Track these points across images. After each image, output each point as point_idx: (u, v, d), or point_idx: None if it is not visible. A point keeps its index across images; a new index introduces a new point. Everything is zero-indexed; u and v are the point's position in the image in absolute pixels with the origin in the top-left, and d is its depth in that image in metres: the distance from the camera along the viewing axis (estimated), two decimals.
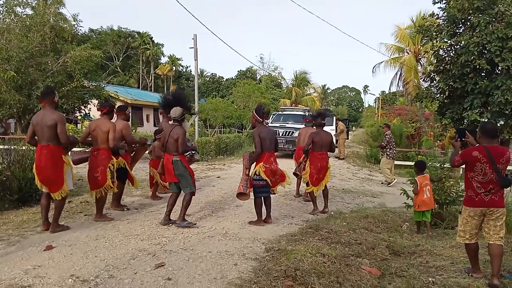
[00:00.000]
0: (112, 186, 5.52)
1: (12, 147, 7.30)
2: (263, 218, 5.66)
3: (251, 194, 5.59)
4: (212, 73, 51.67)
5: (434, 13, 13.27)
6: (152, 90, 45.10)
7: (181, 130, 5.26)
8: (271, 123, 16.37)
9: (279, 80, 41.50)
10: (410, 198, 6.15)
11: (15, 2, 16.65)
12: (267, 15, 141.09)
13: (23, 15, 17.17)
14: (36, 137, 4.83)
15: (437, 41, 12.68)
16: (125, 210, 6.25)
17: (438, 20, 13.07)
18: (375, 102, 53.05)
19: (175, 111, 5.37)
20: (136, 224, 5.42)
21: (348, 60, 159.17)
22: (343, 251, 4.46)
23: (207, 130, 24.70)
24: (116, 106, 6.35)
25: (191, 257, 4.17)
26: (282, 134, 14.85)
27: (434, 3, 12.24)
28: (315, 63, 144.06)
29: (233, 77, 47.03)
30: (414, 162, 6.00)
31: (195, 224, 5.40)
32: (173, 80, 50.95)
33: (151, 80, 48.93)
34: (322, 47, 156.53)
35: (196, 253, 4.31)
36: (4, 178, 6.25)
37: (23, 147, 7.00)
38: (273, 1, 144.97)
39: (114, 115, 6.09)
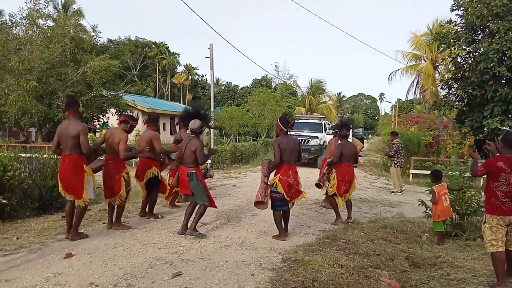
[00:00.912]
0: (126, 195, 5.60)
1: (34, 156, 7.48)
2: (286, 235, 5.46)
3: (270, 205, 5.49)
4: (227, 82, 52.17)
5: (451, 20, 13.14)
6: (169, 99, 45.70)
7: (199, 142, 5.29)
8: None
9: (294, 88, 41.54)
10: (428, 208, 6.04)
11: (38, 15, 17.12)
12: (284, 25, 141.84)
13: (45, 26, 17.65)
14: (61, 146, 4.93)
15: (455, 48, 12.53)
16: (160, 218, 6.39)
17: (455, 27, 12.92)
18: (391, 110, 52.49)
19: (194, 123, 5.42)
20: (154, 233, 5.46)
21: (364, 67, 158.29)
22: (361, 262, 4.40)
23: (223, 139, 24.84)
24: (147, 117, 6.50)
25: (208, 267, 4.17)
26: None
27: (452, 10, 12.12)
28: (330, 71, 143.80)
29: (248, 86, 47.31)
30: (430, 172, 5.88)
31: (205, 235, 5.39)
32: (189, 89, 51.54)
33: (168, 89, 49.59)
34: (337, 55, 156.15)
35: (213, 262, 4.32)
36: (26, 186, 6.39)
37: (44, 156, 7.15)
38: (289, 11, 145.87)
39: (145, 125, 6.22)
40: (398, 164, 10.31)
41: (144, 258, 4.41)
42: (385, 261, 4.58)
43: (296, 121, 17.67)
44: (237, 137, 29.27)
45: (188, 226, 5.40)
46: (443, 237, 5.65)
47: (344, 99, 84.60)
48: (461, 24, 12.49)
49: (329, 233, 5.67)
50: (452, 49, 12.50)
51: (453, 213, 5.86)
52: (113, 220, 5.68)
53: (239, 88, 50.44)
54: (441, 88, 14.43)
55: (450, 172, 6.10)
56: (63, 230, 5.48)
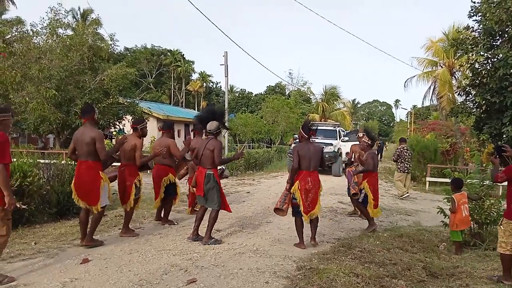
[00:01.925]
0: (134, 202, 5.64)
1: (52, 162, 7.62)
2: (304, 244, 5.34)
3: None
4: (241, 89, 52.33)
5: (469, 26, 12.97)
6: (183, 106, 46.13)
7: (217, 142, 5.32)
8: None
9: (308, 95, 41.46)
10: (447, 216, 5.93)
11: (58, 24, 17.56)
12: (298, 32, 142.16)
13: (64, 35, 18.08)
14: (76, 153, 4.99)
15: (472, 55, 12.35)
16: (176, 224, 6.42)
17: (473, 33, 12.74)
18: (407, 117, 51.83)
19: (211, 124, 5.42)
20: (168, 239, 5.49)
21: (379, 74, 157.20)
22: (377, 271, 4.33)
23: (236, 145, 24.89)
24: (163, 124, 6.60)
25: (223, 274, 4.17)
26: None
27: (470, 16, 11.96)
28: (345, 77, 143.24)
29: (262, 93, 47.41)
30: (450, 179, 5.77)
31: (221, 240, 5.39)
32: (203, 96, 51.94)
33: (182, 96, 50.08)
34: (352, 61, 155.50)
35: (227, 269, 4.31)
36: (44, 192, 6.50)
37: (62, 162, 7.26)
38: (303, 18, 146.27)
39: (160, 132, 6.29)
40: (401, 168, 10.57)
41: (159, 264, 4.43)
42: (402, 270, 4.50)
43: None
44: (251, 144, 29.29)
45: (199, 232, 5.38)
46: (461, 247, 5.53)
47: (359, 105, 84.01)
48: (479, 30, 12.31)
49: (344, 241, 5.61)
50: (470, 55, 12.33)
51: (472, 222, 5.73)
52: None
53: (253, 95, 50.61)
54: (458, 94, 14.24)
55: (469, 180, 5.98)
56: (80, 235, 5.56)
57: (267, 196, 9.54)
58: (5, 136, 3.74)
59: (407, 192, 10.61)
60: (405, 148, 10.78)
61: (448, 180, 12.64)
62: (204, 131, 7.10)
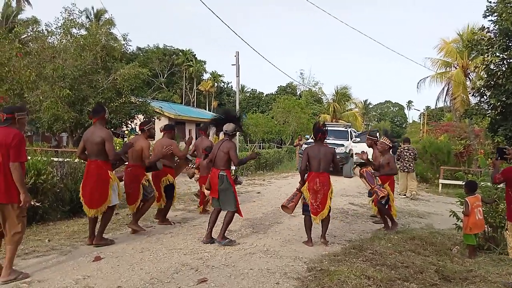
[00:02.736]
0: (151, 201, 5.74)
1: (65, 160, 7.72)
2: (312, 242, 5.47)
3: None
4: (252, 89, 52.40)
5: (484, 27, 12.78)
6: (195, 106, 46.32)
7: (232, 144, 5.36)
8: (311, 139, 16.25)
9: (319, 95, 41.29)
10: (460, 220, 5.85)
11: (72, 24, 17.79)
12: (309, 32, 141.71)
13: (78, 35, 18.30)
14: (86, 152, 5.04)
15: (488, 55, 12.17)
16: (172, 224, 6.37)
17: (488, 34, 12.55)
18: (419, 118, 51.25)
19: (228, 126, 5.45)
20: (179, 238, 5.52)
21: (391, 74, 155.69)
22: (389, 274, 4.29)
23: (247, 145, 24.91)
24: (164, 125, 6.63)
25: (233, 274, 4.18)
26: None
27: (485, 16, 11.80)
28: (356, 77, 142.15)
29: (273, 93, 47.36)
30: (464, 182, 5.68)
31: (235, 241, 5.41)
32: (214, 96, 52.10)
33: (194, 96, 50.31)
34: (364, 61, 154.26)
35: (238, 269, 4.32)
36: (58, 190, 6.58)
37: (76, 160, 7.35)
38: (312, 16, 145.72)
39: (161, 133, 6.35)
40: (400, 168, 10.79)
41: (170, 263, 4.46)
42: (414, 273, 4.45)
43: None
44: (261, 144, 29.27)
45: (212, 235, 5.36)
46: (475, 250, 5.44)
47: (371, 106, 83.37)
48: (494, 31, 12.13)
49: (355, 243, 5.58)
50: (485, 56, 12.15)
51: (486, 226, 5.64)
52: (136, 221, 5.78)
53: (264, 95, 50.60)
54: (473, 96, 14.03)
55: (482, 183, 5.89)
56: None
57: (278, 196, 9.52)
58: (21, 135, 3.81)
59: (414, 192, 10.70)
60: (405, 148, 11.04)
61: (461, 183, 12.52)
62: (208, 131, 7.21)
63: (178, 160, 6.72)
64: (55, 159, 7.88)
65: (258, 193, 10.22)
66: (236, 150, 5.42)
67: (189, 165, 7.24)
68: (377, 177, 6.46)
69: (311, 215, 5.36)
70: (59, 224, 6.23)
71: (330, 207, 5.49)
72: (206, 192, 5.90)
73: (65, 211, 6.77)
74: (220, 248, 5.09)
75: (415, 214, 8.39)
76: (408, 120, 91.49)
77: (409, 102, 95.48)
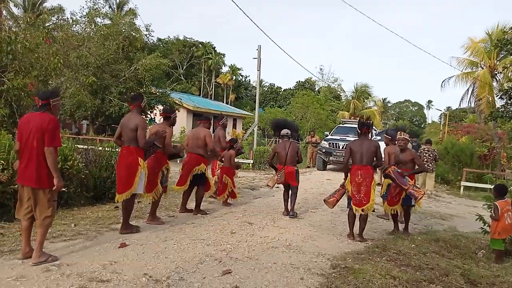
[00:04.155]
0: (161, 190, 5.71)
1: (90, 147, 7.84)
2: (353, 236, 5.68)
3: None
4: (270, 83, 52.21)
5: None
6: (213, 98, 46.48)
7: (297, 145, 6.95)
8: (331, 135, 16.13)
9: (338, 92, 40.91)
10: (486, 224, 5.72)
11: (96, 13, 18.00)
12: (329, 27, 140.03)
13: (102, 25, 18.52)
14: (122, 138, 5.10)
15: None
16: (206, 214, 6.57)
17: None
18: (440, 118, 50.26)
19: (285, 131, 6.96)
20: (202, 229, 5.55)
21: (412, 73, 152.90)
22: (414, 275, 4.23)
23: (263, 139, 24.89)
24: (202, 116, 6.89)
25: (257, 267, 4.17)
26: (342, 147, 14.55)
27: None
28: (376, 75, 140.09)
29: (292, 88, 47.12)
30: (493, 186, 5.54)
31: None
32: (232, 89, 52.15)
33: (212, 88, 50.46)
34: (385, 59, 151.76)
35: (261, 263, 4.31)
36: (83, 176, 6.69)
37: (100, 148, 7.46)
38: (335, 12, 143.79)
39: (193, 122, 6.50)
40: None
41: (194, 253, 4.48)
42: (439, 276, 4.37)
43: (341, 125, 17.39)
44: (277, 139, 29.20)
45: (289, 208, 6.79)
46: (502, 255, 5.32)
47: (389, 104, 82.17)
48: None
49: (378, 242, 5.52)
50: None
51: None
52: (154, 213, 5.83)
53: (282, 89, 50.40)
54: (500, 98, 13.66)
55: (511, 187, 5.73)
56: (117, 220, 5.71)
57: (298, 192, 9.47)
58: (56, 120, 3.87)
59: (429, 191, 10.94)
60: (425, 149, 11.27)
61: (484, 186, 12.27)
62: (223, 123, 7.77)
63: (209, 151, 6.79)
64: (81, 146, 8.01)
65: (277, 187, 10.17)
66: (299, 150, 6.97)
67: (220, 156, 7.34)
68: (407, 177, 6.08)
69: (353, 206, 5.55)
70: (83, 209, 6.34)
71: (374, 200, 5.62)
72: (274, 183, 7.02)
73: (89, 197, 6.88)
74: (243, 241, 5.10)
75: (437, 215, 8.25)
76: (427, 120, 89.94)
77: (429, 101, 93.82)
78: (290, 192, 6.89)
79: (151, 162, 5.47)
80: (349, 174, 5.67)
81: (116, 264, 3.98)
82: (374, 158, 5.62)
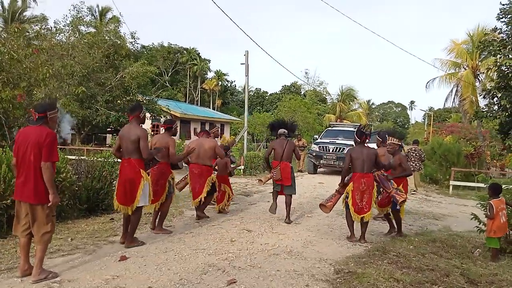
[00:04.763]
0: (168, 200, 5.73)
1: (81, 158, 7.71)
2: (355, 237, 5.81)
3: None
4: (256, 88, 52.32)
5: (496, 28, 12.74)
6: (199, 104, 46.31)
7: (293, 143, 7.00)
8: (320, 138, 16.22)
9: (324, 95, 41.25)
10: (481, 223, 5.82)
11: (80, 22, 17.79)
12: (312, 30, 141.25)
13: (86, 33, 18.30)
14: (121, 150, 5.00)
15: (500, 57, 12.13)
16: (209, 218, 6.80)
17: (500, 35, 12.51)
18: (423, 119, 51.15)
19: (282, 130, 6.99)
20: (201, 238, 5.50)
21: (395, 75, 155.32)
22: (416, 277, 4.27)
23: (252, 144, 24.88)
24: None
25: (261, 275, 4.15)
26: (332, 150, 14.66)
27: (498, 18, 11.77)
28: (360, 77, 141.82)
29: (277, 92, 47.31)
30: (488, 185, 5.64)
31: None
32: (218, 95, 52.07)
33: (198, 94, 50.27)
34: (368, 61, 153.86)
35: (265, 271, 4.30)
36: (76, 188, 6.56)
37: (93, 159, 7.34)
38: (318, 14, 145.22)
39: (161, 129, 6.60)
40: None
41: (196, 263, 4.44)
42: (440, 277, 4.43)
43: (330, 128, 17.52)
44: (265, 144, 29.23)
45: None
46: (498, 253, 5.41)
47: (374, 106, 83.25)
48: (507, 32, 12.09)
49: (377, 245, 5.55)
50: (498, 57, 12.11)
51: (508, 229, 5.61)
52: (156, 223, 5.81)
53: (268, 94, 50.55)
54: (483, 97, 13.99)
55: (505, 186, 5.85)
56: (113, 232, 5.62)
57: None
58: (54, 134, 3.78)
59: (414, 190, 11.50)
60: (413, 149, 11.81)
61: (472, 184, 12.49)
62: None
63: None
64: (72, 157, 7.87)
65: (271, 193, 10.16)
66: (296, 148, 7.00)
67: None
68: (391, 180, 6.19)
69: (354, 213, 5.60)
70: (77, 222, 6.21)
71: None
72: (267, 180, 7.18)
73: (82, 210, 6.75)
74: (243, 249, 5.07)
75: (430, 216, 8.35)
76: (410, 120, 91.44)
77: (412, 102, 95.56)
78: (285, 199, 6.82)
79: (155, 174, 5.43)
80: (351, 182, 5.65)
81: (118, 278, 3.91)
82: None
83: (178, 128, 26.51)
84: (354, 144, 5.99)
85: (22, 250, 3.87)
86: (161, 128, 6.03)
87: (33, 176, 3.71)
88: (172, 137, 5.84)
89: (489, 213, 5.26)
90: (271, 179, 7.00)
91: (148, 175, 5.54)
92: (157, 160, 5.28)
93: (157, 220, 5.81)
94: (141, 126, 5.09)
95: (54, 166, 3.80)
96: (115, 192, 5.04)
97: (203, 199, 6.57)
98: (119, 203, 4.90)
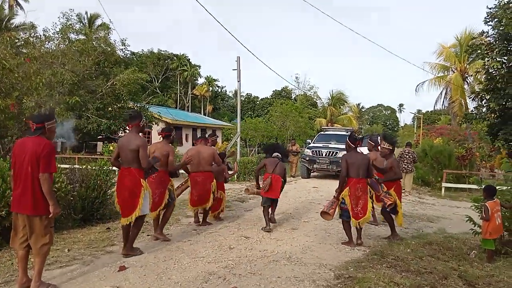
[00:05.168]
0: (171, 208, 5.80)
1: (75, 167, 7.63)
2: (353, 242, 5.83)
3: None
4: (247, 93, 52.40)
5: (483, 31, 12.97)
6: (190, 110, 46.19)
7: (284, 164, 7.10)
8: (313, 143, 16.28)
9: (315, 100, 41.49)
10: (476, 225, 5.90)
11: (70, 30, 17.68)
12: (302, 34, 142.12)
13: (75, 40, 18.17)
14: (120, 159, 4.97)
15: (488, 60, 12.34)
16: (211, 224, 6.90)
17: (488, 39, 12.74)
18: (413, 121, 51.73)
19: (276, 154, 7.10)
20: (199, 246, 5.48)
21: (383, 78, 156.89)
22: (415, 280, 4.32)
23: (245, 149, 24.88)
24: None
25: (262, 282, 4.15)
26: (325, 155, 14.72)
27: (486, 22, 11.99)
28: (349, 81, 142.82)
29: (268, 97, 47.44)
30: (483, 187, 5.72)
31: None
32: (209, 100, 52.02)
33: (188, 100, 50.17)
34: (357, 65, 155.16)
35: (266, 278, 4.29)
36: (71, 198, 6.49)
37: (88, 167, 7.27)
38: (307, 19, 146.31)
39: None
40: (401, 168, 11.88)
41: (196, 272, 4.41)
42: (439, 279, 4.48)
43: (322, 133, 17.60)
44: (257, 149, 29.28)
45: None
46: (493, 255, 5.49)
47: (363, 110, 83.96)
48: (494, 35, 12.32)
49: (375, 249, 5.59)
50: (486, 60, 12.32)
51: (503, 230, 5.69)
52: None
53: (259, 99, 50.66)
54: (472, 100, 14.21)
55: (499, 187, 5.94)
56: (110, 242, 5.57)
57: (287, 202, 9.52)
58: (52, 145, 3.75)
59: (408, 193, 11.75)
60: (406, 151, 12.17)
61: (464, 186, 12.62)
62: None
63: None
64: (65, 165, 7.79)
65: (251, 198, 10.19)
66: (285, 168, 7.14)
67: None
68: (382, 184, 6.35)
69: (352, 219, 5.65)
70: (73, 232, 6.14)
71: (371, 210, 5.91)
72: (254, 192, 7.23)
73: (77, 219, 6.68)
74: (243, 256, 5.06)
75: (424, 218, 8.43)
76: (399, 123, 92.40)
77: (400, 105, 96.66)
78: (270, 206, 6.90)
79: (154, 183, 5.42)
80: (347, 187, 5.66)
81: None
82: None
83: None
84: (346, 150, 5.97)
85: (20, 263, 3.82)
86: (159, 136, 6.00)
87: (31, 187, 3.67)
88: (171, 145, 5.84)
89: (484, 215, 5.33)
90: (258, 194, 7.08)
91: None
92: (155, 169, 5.26)
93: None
94: (141, 135, 5.06)
95: (52, 177, 3.77)
96: (116, 201, 4.99)
97: (210, 203, 6.66)
98: (123, 217, 4.85)
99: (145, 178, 5.00)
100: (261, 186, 6.83)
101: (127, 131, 16.98)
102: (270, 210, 6.88)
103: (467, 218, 6.06)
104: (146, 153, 4.85)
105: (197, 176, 6.56)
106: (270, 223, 6.70)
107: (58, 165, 7.08)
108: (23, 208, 3.70)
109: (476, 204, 6.16)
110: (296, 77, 45.46)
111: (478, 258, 5.57)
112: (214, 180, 6.73)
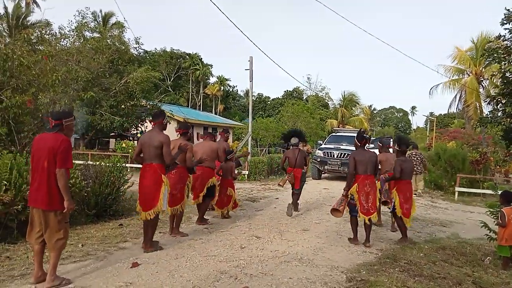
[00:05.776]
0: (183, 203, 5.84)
1: (90, 163, 7.71)
2: (358, 240, 5.95)
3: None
4: (258, 93, 52.41)
5: (500, 35, 12.74)
6: (201, 109, 46.39)
7: (304, 152, 8.07)
8: (324, 144, 16.21)
9: (326, 101, 41.31)
10: (491, 231, 5.81)
11: (85, 28, 17.90)
12: (314, 36, 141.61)
13: (90, 38, 18.37)
14: (141, 155, 5.06)
15: (505, 64, 12.12)
16: (209, 223, 6.84)
17: (505, 42, 12.52)
18: (425, 124, 51.15)
19: (294, 139, 8.04)
20: (211, 245, 5.49)
21: (396, 80, 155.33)
22: (429, 285, 4.27)
23: (255, 148, 24.86)
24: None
25: (274, 283, 4.14)
26: (336, 156, 14.65)
27: (502, 24, 11.76)
28: (361, 82, 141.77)
29: (280, 97, 47.38)
30: (500, 193, 5.62)
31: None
32: (220, 100, 52.17)
33: (200, 99, 50.39)
34: (370, 67, 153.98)
35: (277, 278, 4.28)
36: (85, 194, 6.57)
37: (102, 164, 7.34)
38: (321, 20, 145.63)
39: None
40: None
41: (208, 270, 4.43)
42: (453, 285, 4.42)
43: (334, 134, 17.50)
44: (268, 148, 29.27)
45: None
46: (509, 262, 5.39)
47: (375, 111, 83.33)
48: (511, 39, 12.09)
49: (387, 252, 5.54)
50: (502, 64, 12.10)
51: None
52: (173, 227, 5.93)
53: (270, 99, 50.64)
54: (488, 103, 13.97)
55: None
56: (123, 238, 5.63)
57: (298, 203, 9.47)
58: (69, 141, 3.80)
59: (419, 192, 12.14)
60: (413, 153, 11.99)
61: (478, 191, 12.43)
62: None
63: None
64: (78, 161, 7.87)
65: (277, 198, 10.19)
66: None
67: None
68: (386, 183, 6.52)
69: (361, 215, 5.73)
70: (86, 228, 6.21)
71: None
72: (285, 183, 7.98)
73: (90, 215, 6.75)
74: (254, 256, 5.06)
75: (437, 222, 8.32)
76: (412, 125, 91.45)
77: (413, 108, 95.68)
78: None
79: (174, 179, 5.53)
80: (356, 184, 5.77)
81: (132, 285, 3.91)
82: None
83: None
84: (355, 148, 6.15)
85: (36, 257, 3.88)
86: (177, 133, 6.07)
87: (46, 182, 3.72)
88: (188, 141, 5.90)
89: (501, 221, 5.25)
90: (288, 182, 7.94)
91: None
92: (176, 164, 5.35)
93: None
94: (164, 132, 5.13)
95: (68, 172, 3.82)
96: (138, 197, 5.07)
97: (200, 200, 6.64)
98: (142, 210, 4.94)
99: (166, 173, 5.09)
100: (286, 179, 7.85)
101: (139, 128, 17.29)
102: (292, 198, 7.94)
103: (482, 224, 5.97)
104: (170, 149, 4.97)
105: (198, 169, 6.58)
106: (293, 211, 7.71)
107: (73, 161, 7.20)
108: (38, 203, 3.76)
109: (491, 210, 6.06)
110: (308, 78, 45.39)
111: (493, 264, 5.48)
112: (213, 178, 6.73)
